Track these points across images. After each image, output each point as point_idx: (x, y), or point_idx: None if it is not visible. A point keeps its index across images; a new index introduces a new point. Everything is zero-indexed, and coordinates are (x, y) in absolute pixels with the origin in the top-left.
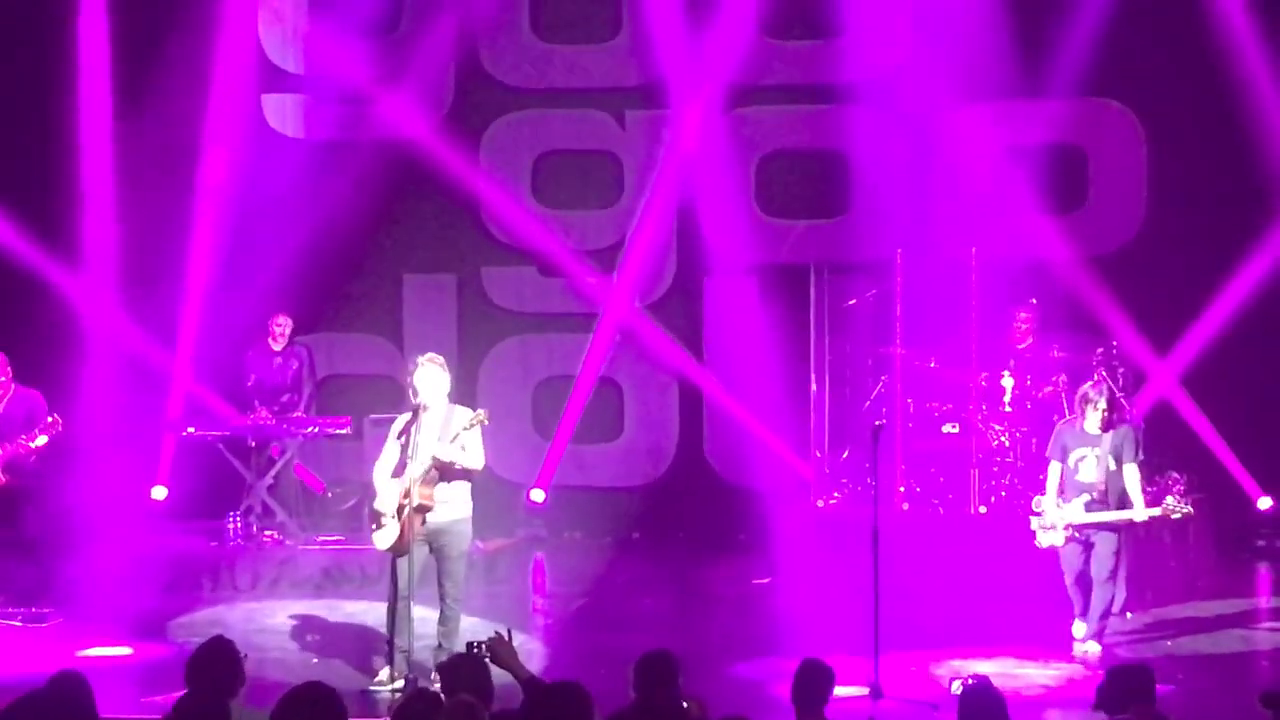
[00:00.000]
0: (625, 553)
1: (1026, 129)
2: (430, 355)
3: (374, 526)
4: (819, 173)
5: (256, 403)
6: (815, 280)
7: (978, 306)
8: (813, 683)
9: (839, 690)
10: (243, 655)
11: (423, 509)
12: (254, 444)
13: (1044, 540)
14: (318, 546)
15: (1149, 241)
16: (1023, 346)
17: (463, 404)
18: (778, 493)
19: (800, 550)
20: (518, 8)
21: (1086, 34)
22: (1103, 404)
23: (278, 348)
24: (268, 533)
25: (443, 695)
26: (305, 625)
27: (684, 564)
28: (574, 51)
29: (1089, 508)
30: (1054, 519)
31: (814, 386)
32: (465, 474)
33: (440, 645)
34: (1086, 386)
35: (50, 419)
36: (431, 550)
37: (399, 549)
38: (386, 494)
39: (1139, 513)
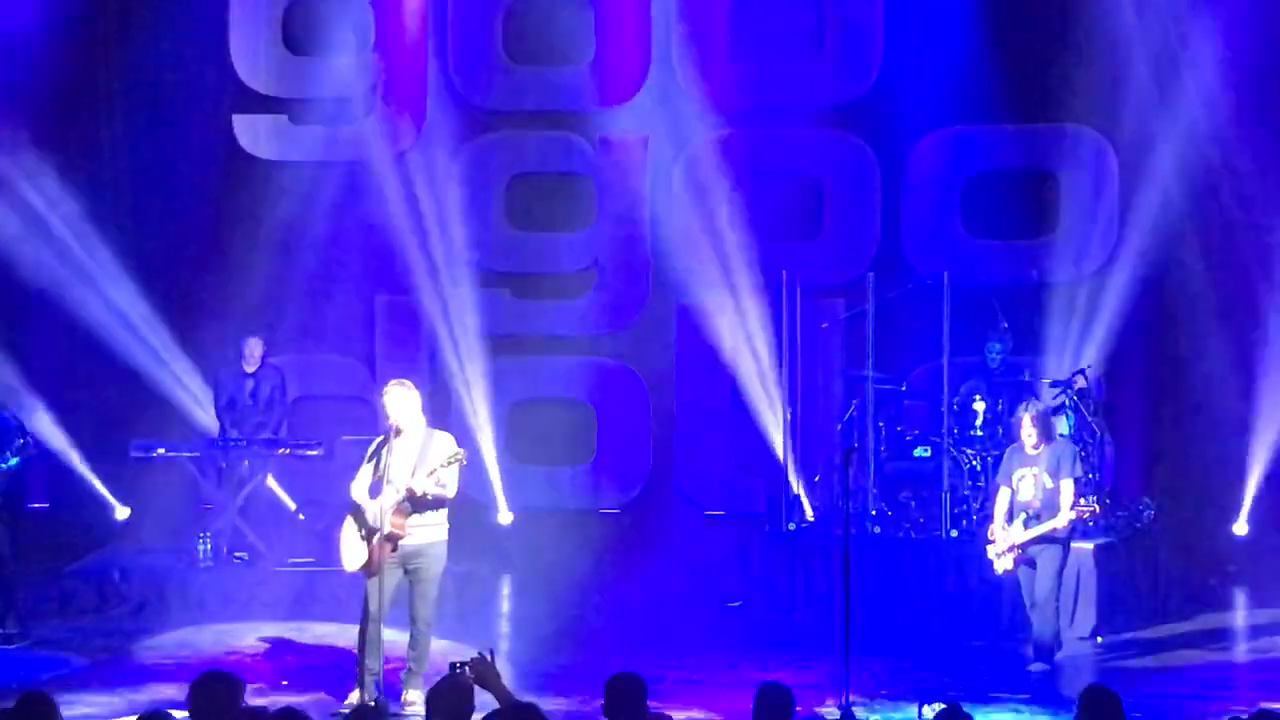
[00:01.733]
0: (596, 575)
1: (999, 154)
2: (398, 380)
3: (343, 546)
4: (796, 195)
5: (228, 423)
6: (787, 304)
7: (950, 330)
8: (772, 705)
9: (815, 710)
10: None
11: (392, 538)
12: (224, 465)
13: (999, 567)
14: (288, 568)
15: (1122, 267)
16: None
17: (436, 426)
18: (749, 516)
19: (771, 573)
20: (491, 30)
21: (1061, 59)
22: (1030, 421)
23: (250, 369)
24: (238, 554)
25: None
26: (276, 647)
27: (655, 587)
28: (548, 73)
29: (1027, 525)
30: (1002, 543)
31: (785, 409)
32: (438, 502)
33: (410, 669)
34: (1020, 406)
35: (20, 441)
36: (406, 573)
37: (368, 571)
38: (359, 515)
39: (1061, 518)
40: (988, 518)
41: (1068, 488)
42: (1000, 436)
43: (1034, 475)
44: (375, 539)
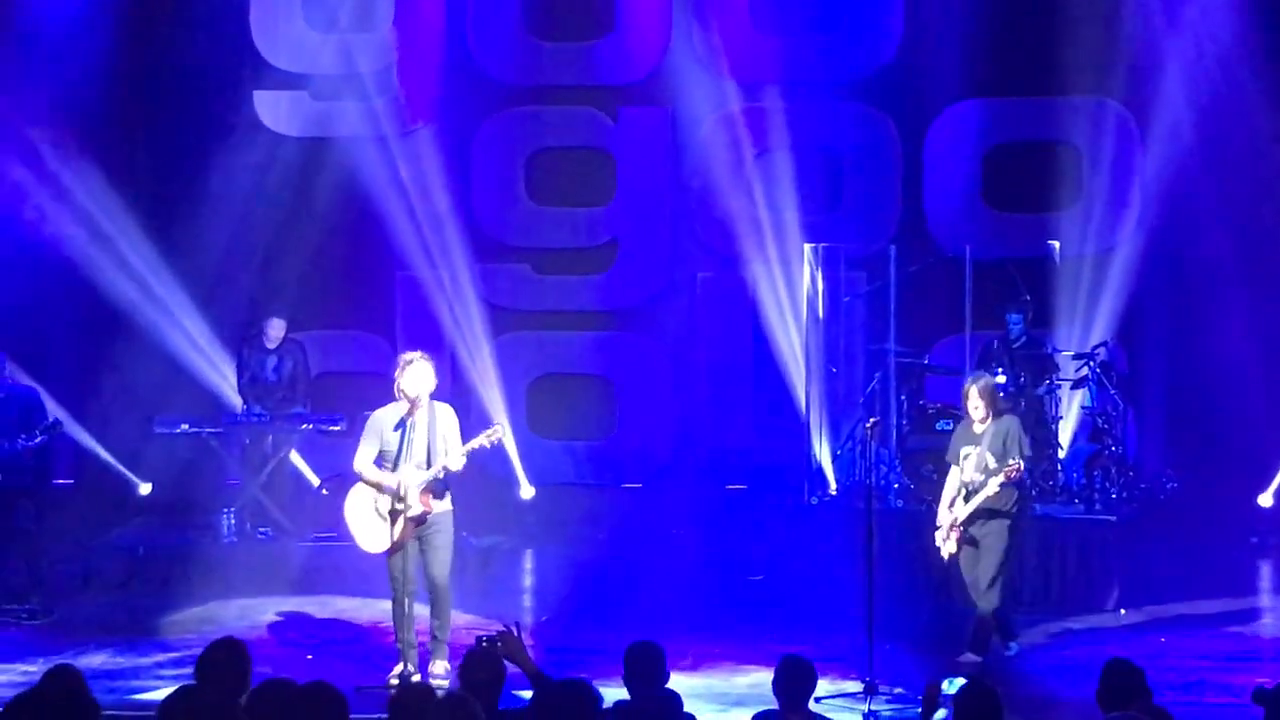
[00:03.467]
0: (618, 549)
1: (1021, 125)
2: (419, 353)
3: (358, 526)
4: (817, 168)
5: (251, 399)
6: (809, 277)
7: (971, 304)
8: (795, 679)
9: (835, 685)
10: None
11: (421, 518)
12: (248, 440)
13: (944, 552)
14: (311, 543)
15: (1143, 237)
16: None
17: (457, 402)
18: (771, 489)
19: (794, 547)
20: (510, 3)
21: (1085, 30)
22: (977, 394)
23: (272, 345)
24: (261, 529)
25: (463, 688)
26: (299, 622)
27: (677, 560)
28: (568, 46)
29: (967, 501)
30: (946, 524)
31: (808, 382)
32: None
33: (435, 636)
34: (968, 379)
35: (50, 420)
36: (417, 540)
37: (394, 550)
38: (377, 492)
39: (990, 485)
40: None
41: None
42: (1022, 409)
43: (977, 453)
44: (401, 519)
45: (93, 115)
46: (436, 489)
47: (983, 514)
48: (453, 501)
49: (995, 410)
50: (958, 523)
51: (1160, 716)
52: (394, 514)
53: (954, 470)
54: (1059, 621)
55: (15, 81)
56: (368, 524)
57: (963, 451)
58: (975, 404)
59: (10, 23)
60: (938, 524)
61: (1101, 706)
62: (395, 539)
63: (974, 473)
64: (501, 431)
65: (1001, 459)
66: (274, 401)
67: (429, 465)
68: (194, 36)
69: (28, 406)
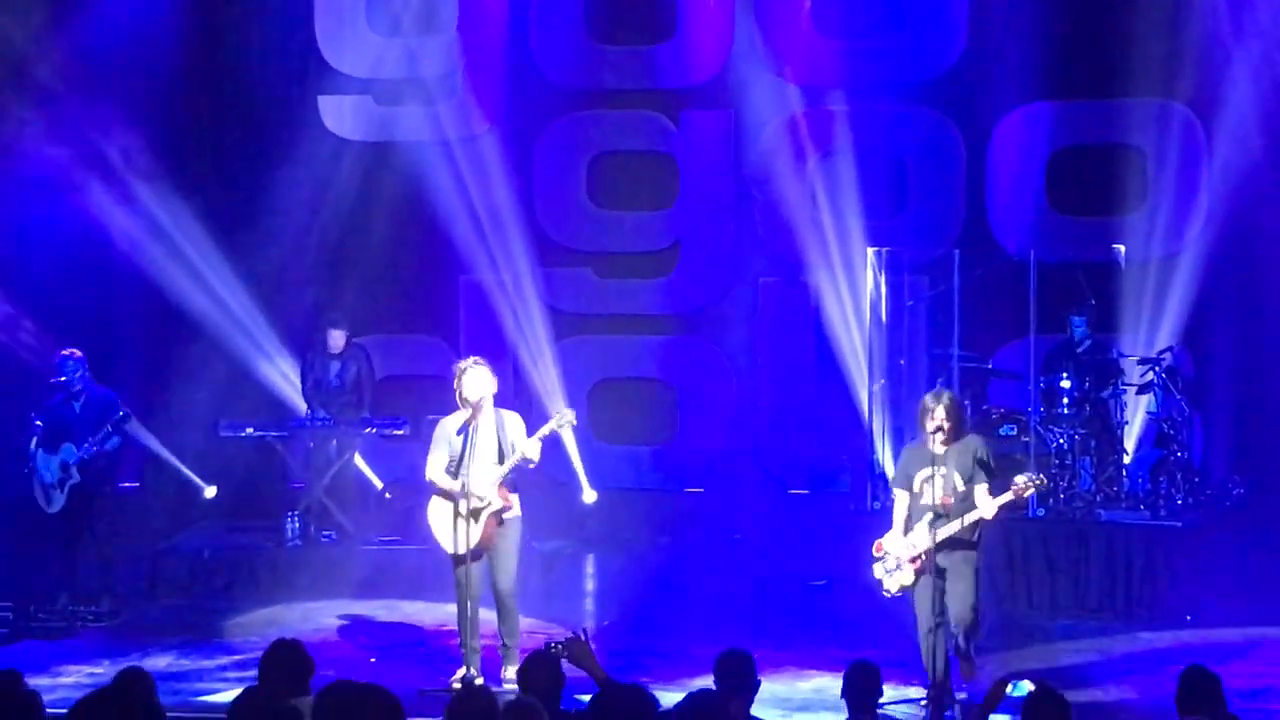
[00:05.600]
0: (680, 554)
1: (1085, 129)
2: (473, 358)
3: (441, 531)
4: (880, 172)
5: (315, 404)
6: (872, 281)
7: (1036, 308)
8: (863, 683)
9: (900, 690)
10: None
11: (501, 513)
12: (312, 444)
13: (891, 585)
14: (375, 546)
15: (1209, 241)
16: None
17: (519, 406)
18: (833, 494)
19: (856, 552)
20: (573, 8)
21: (1150, 33)
22: (945, 412)
23: (336, 351)
24: (325, 533)
25: (521, 691)
26: (363, 626)
27: (739, 566)
28: (630, 50)
29: (934, 527)
30: (899, 554)
31: (870, 387)
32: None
33: (504, 644)
34: (930, 395)
35: (121, 413)
36: (486, 549)
37: (481, 547)
38: (454, 497)
39: (986, 509)
40: (1075, 495)
41: (982, 492)
42: (1088, 415)
43: (941, 476)
44: (483, 517)
45: (160, 122)
46: (509, 490)
47: (948, 542)
48: (521, 507)
49: (961, 429)
50: (923, 551)
51: None
52: (474, 513)
53: (900, 495)
54: (1124, 626)
55: (85, 90)
56: (449, 526)
57: (919, 475)
58: (939, 421)
59: (79, 32)
60: (876, 554)
61: (1180, 711)
62: (481, 537)
63: (940, 496)
64: (572, 416)
65: (970, 481)
66: (338, 406)
67: (501, 463)
68: (260, 42)
69: (105, 410)
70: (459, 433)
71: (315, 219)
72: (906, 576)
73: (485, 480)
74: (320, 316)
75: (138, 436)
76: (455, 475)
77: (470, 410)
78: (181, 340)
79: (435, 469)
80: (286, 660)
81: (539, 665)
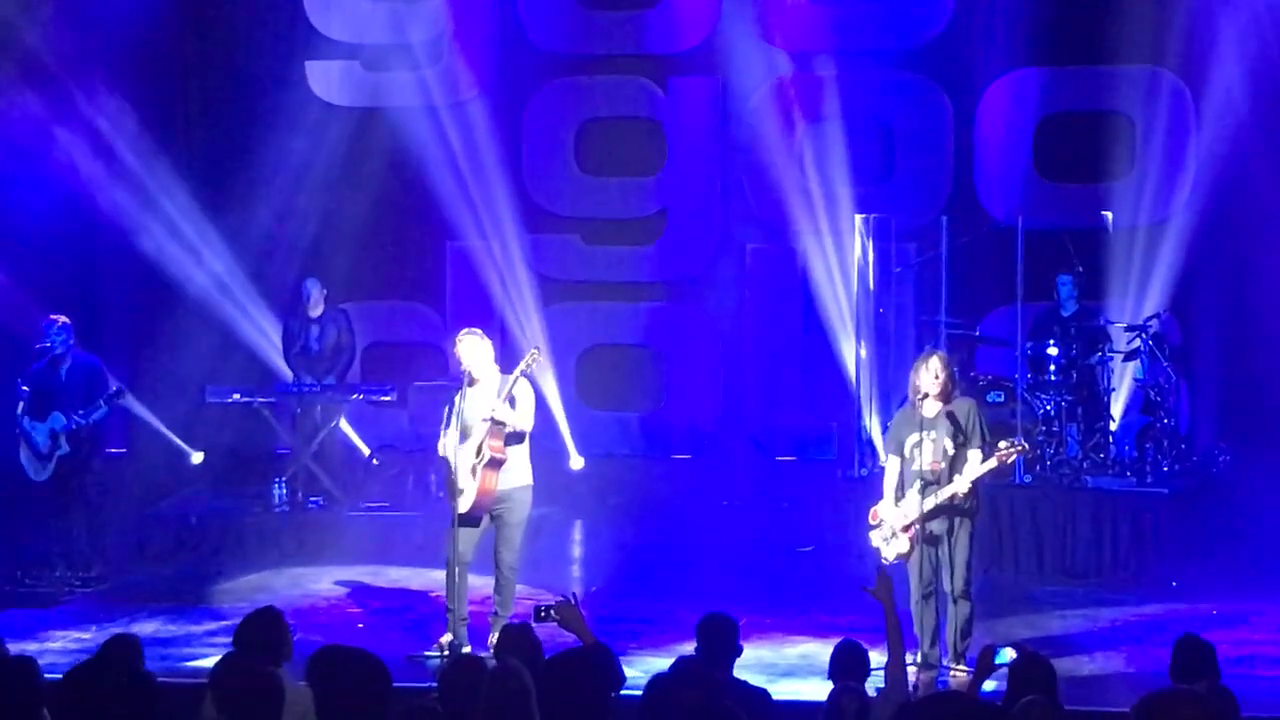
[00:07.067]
0: (667, 520)
1: (1073, 95)
2: (470, 329)
3: (454, 496)
4: (868, 139)
5: (300, 370)
6: (859, 248)
7: (1023, 275)
8: (850, 661)
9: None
10: (292, 629)
11: (496, 462)
12: (299, 410)
13: (889, 553)
14: (363, 513)
15: (1195, 208)
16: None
17: (506, 371)
18: (821, 460)
19: (844, 518)
20: None
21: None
22: (929, 375)
23: (315, 314)
24: (312, 499)
25: (494, 658)
26: (351, 592)
27: (726, 532)
28: (618, 16)
29: (925, 495)
30: (893, 522)
31: (858, 353)
32: (518, 436)
33: (496, 613)
34: (925, 352)
35: (114, 388)
36: (491, 518)
37: (481, 506)
38: (458, 461)
39: (973, 469)
40: (1062, 462)
41: (975, 458)
42: (1075, 381)
43: (932, 441)
44: (478, 473)
45: (146, 85)
46: (510, 460)
47: (945, 508)
48: (532, 477)
49: (952, 390)
50: (915, 519)
51: (1224, 695)
52: (472, 471)
53: (892, 461)
54: (1110, 593)
55: (69, 52)
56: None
57: (909, 439)
58: (934, 380)
59: None
60: (872, 521)
61: (1174, 680)
62: (479, 489)
63: (931, 461)
64: (539, 355)
65: (962, 445)
66: (320, 371)
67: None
68: (247, 7)
69: (91, 377)
70: (445, 403)
71: (302, 184)
72: (902, 545)
73: (474, 440)
74: (305, 281)
75: (124, 403)
76: (462, 443)
77: (466, 379)
78: (168, 306)
79: (442, 443)
80: (263, 628)
81: (513, 641)
